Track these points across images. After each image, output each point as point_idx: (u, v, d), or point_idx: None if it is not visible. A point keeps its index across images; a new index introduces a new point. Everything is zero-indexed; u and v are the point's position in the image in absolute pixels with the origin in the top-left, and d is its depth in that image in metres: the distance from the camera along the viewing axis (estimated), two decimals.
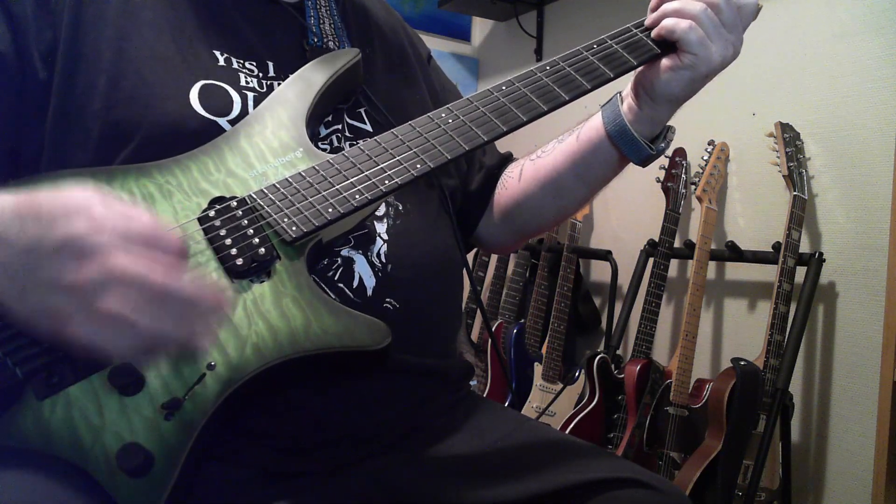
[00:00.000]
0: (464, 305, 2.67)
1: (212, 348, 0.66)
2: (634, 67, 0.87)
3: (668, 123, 0.92)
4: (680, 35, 0.84)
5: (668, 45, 0.86)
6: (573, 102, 0.93)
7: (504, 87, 0.84)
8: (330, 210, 0.73)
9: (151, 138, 0.77)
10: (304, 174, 0.76)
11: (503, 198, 1.06)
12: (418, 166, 0.77)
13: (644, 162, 0.92)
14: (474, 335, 2.68)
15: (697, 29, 0.83)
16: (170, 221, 0.71)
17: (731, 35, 0.86)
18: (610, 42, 0.88)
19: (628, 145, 0.91)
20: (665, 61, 0.86)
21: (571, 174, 0.97)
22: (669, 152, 2.20)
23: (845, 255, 1.91)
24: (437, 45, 3.17)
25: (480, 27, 3.35)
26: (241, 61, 0.85)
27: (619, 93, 0.93)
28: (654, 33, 0.87)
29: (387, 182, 0.76)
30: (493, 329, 2.58)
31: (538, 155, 1.03)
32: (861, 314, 1.87)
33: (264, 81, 0.86)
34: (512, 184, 1.05)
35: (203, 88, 0.81)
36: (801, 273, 1.88)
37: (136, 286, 0.57)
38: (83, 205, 0.59)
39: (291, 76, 0.84)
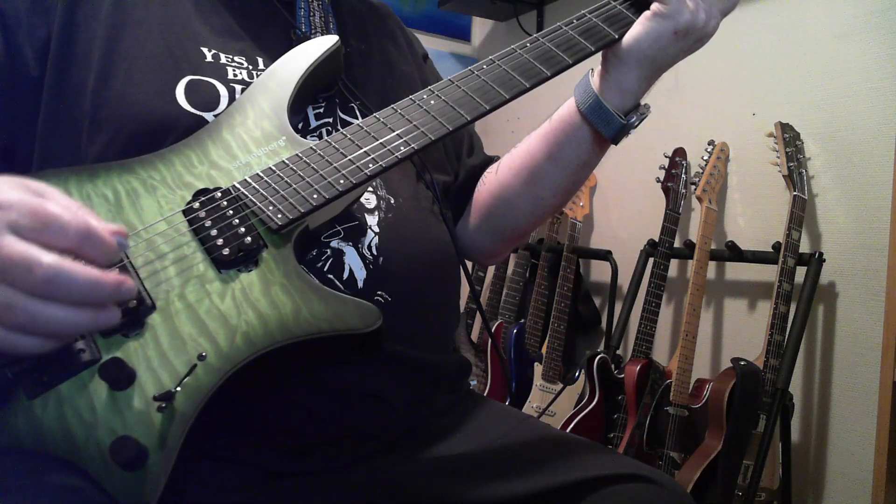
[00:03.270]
0: (463, 306, 2.67)
1: (201, 339, 0.66)
2: (615, 40, 0.87)
3: (642, 102, 0.91)
4: None
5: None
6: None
7: (485, 66, 0.84)
8: (315, 196, 0.73)
9: (138, 135, 0.77)
10: (287, 162, 0.76)
11: (482, 194, 1.04)
12: (402, 149, 0.77)
13: (616, 136, 0.89)
14: (474, 335, 2.68)
15: None
16: (155, 216, 0.71)
17: (703, 2, 0.86)
18: (589, 16, 0.89)
19: (598, 115, 0.88)
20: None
21: (545, 157, 0.95)
22: (669, 151, 2.20)
23: (845, 255, 1.90)
24: (437, 45, 3.17)
25: (480, 27, 3.35)
26: (230, 56, 0.86)
27: (592, 69, 0.92)
28: None
29: (371, 166, 0.75)
30: (493, 329, 2.58)
31: (516, 146, 1.01)
32: (861, 314, 1.86)
33: (255, 72, 0.86)
34: (490, 178, 1.04)
35: (189, 84, 0.81)
36: (801, 273, 1.87)
37: (20, 273, 0.53)
38: None
39: (271, 66, 0.84)
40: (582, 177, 0.97)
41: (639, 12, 0.88)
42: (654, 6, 0.86)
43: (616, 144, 0.92)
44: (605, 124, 0.88)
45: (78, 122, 0.78)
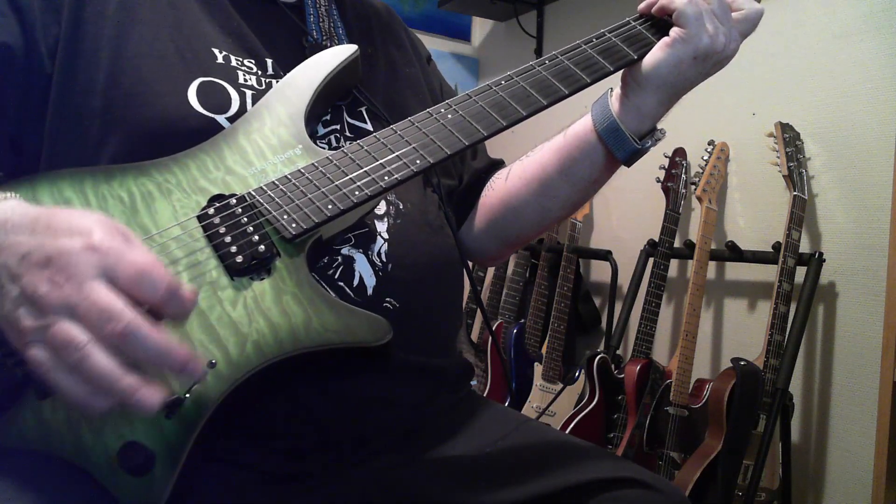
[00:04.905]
0: (464, 305, 2.67)
1: (212, 346, 0.66)
2: (634, 60, 0.87)
3: (658, 126, 0.91)
4: (678, 5, 0.85)
5: (665, 34, 0.87)
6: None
7: (503, 82, 0.84)
8: (329, 207, 0.73)
9: (150, 136, 0.77)
10: (303, 171, 0.75)
11: (489, 199, 1.04)
12: (418, 162, 0.77)
13: (629, 159, 0.90)
14: (474, 335, 2.68)
15: (696, 4, 0.84)
16: (169, 220, 0.71)
17: (722, 25, 0.86)
18: (609, 35, 0.88)
19: (612, 136, 0.88)
20: (657, 44, 0.87)
21: (557, 171, 0.95)
22: (669, 151, 2.21)
23: (845, 255, 1.91)
24: (437, 45, 3.17)
25: (480, 27, 3.35)
26: (240, 59, 0.85)
27: (611, 88, 0.92)
28: (654, 9, 0.88)
29: (386, 178, 0.75)
30: (493, 329, 2.58)
31: (528, 155, 1.01)
32: (861, 314, 1.87)
33: (263, 79, 0.86)
34: (499, 184, 1.04)
35: (201, 86, 0.81)
36: (801, 273, 1.88)
37: (100, 321, 0.54)
38: (87, 226, 0.57)
39: (290, 73, 0.84)
40: (590, 193, 0.98)
41: (659, 33, 0.88)
42: (674, 31, 0.85)
43: (629, 167, 0.92)
44: (620, 147, 0.89)
45: (86, 120, 0.77)
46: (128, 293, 0.55)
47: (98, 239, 0.56)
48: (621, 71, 0.89)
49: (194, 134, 0.78)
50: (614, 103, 0.90)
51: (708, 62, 0.86)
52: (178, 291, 0.57)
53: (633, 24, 0.90)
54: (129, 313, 0.54)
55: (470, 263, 1.04)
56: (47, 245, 0.56)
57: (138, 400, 0.54)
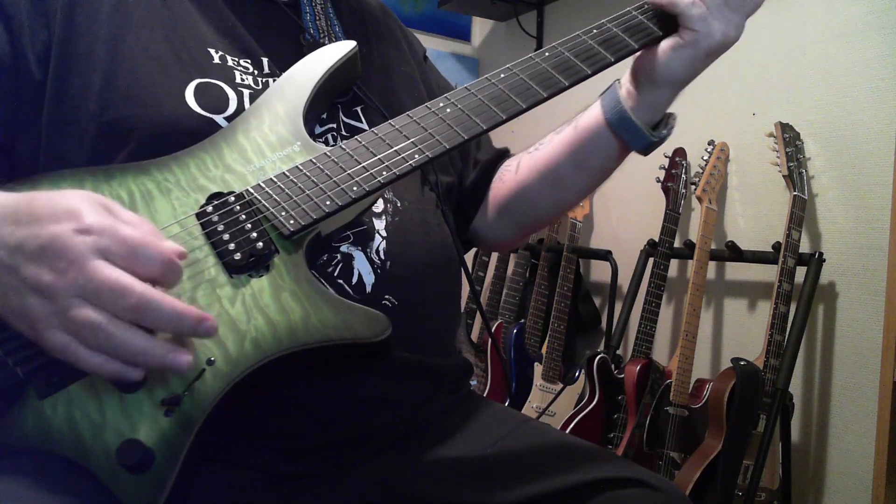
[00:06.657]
0: (464, 305, 2.67)
1: (210, 343, 0.66)
2: (635, 51, 0.86)
3: (668, 111, 0.91)
4: (682, 9, 0.83)
5: (669, 25, 0.85)
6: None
7: (502, 75, 0.83)
8: (328, 203, 0.73)
9: (148, 137, 0.77)
10: (301, 167, 0.75)
11: (500, 191, 1.04)
12: (416, 157, 0.76)
13: (646, 150, 0.90)
14: (474, 335, 2.68)
15: (700, 4, 0.83)
16: (168, 218, 0.71)
17: (733, 15, 0.85)
18: (610, 26, 0.87)
19: (629, 133, 0.89)
20: (665, 42, 0.85)
21: (570, 164, 0.96)
22: (669, 151, 2.21)
23: (845, 255, 1.91)
24: (437, 45, 3.17)
25: (480, 27, 3.35)
26: (236, 59, 0.85)
27: (618, 80, 0.92)
28: (656, 4, 0.87)
29: (384, 173, 0.75)
30: (493, 329, 2.58)
31: (536, 147, 1.01)
32: (861, 314, 1.87)
33: (259, 79, 0.85)
34: (509, 176, 1.04)
35: (198, 86, 0.81)
36: (801, 273, 1.88)
37: (112, 298, 0.56)
38: (74, 207, 0.59)
39: (288, 71, 0.84)
40: (604, 179, 0.99)
41: (661, 22, 0.86)
42: (685, 35, 0.84)
43: (646, 156, 0.93)
44: (637, 140, 0.89)
45: (83, 123, 0.77)
46: (126, 269, 0.58)
47: (88, 220, 0.58)
48: (628, 64, 0.89)
49: (193, 134, 0.77)
50: (625, 98, 0.89)
51: (719, 54, 0.86)
52: (175, 261, 0.61)
53: (635, 13, 0.88)
54: (138, 286, 0.57)
55: (469, 263, 1.04)
56: (37, 234, 0.58)
57: (172, 361, 0.59)
